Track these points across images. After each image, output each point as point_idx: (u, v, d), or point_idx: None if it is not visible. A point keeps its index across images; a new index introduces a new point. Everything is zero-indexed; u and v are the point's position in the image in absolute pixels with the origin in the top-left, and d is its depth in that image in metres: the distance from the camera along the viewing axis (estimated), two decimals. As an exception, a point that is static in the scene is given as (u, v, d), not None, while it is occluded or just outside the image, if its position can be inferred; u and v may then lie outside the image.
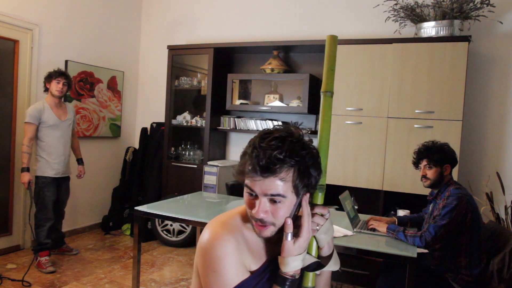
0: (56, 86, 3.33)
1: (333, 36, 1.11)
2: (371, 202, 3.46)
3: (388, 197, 3.34)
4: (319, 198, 1.03)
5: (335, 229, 2.32)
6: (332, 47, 1.10)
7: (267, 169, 0.90)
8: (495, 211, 3.06)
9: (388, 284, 2.28)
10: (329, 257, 1.01)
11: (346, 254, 2.13)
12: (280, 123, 3.89)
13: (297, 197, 0.95)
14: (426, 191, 2.61)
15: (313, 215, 0.98)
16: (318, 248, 1.01)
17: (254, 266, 1.01)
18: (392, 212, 3.21)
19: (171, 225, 4.11)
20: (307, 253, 0.99)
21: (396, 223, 2.53)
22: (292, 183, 0.93)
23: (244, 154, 0.97)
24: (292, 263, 0.94)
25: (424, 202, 2.67)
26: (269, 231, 0.96)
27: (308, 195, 0.97)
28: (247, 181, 0.95)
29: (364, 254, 2.10)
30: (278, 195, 0.92)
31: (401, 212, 2.95)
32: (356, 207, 2.79)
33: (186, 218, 2.49)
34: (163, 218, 2.79)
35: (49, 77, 3.36)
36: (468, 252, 2.20)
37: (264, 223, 0.94)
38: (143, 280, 3.23)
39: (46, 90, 3.40)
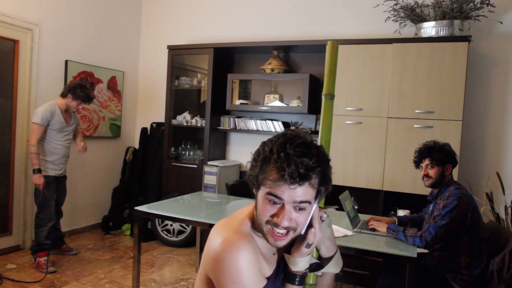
0: (77, 107, 3.39)
1: (334, 42, 1.15)
2: (371, 202, 3.46)
3: (388, 197, 3.34)
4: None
5: (335, 229, 2.32)
6: (333, 52, 1.15)
7: (305, 177, 0.89)
8: (495, 211, 3.06)
9: (388, 284, 2.28)
10: (330, 258, 1.02)
11: (346, 254, 2.13)
12: (280, 123, 3.89)
13: (315, 202, 0.96)
14: (426, 191, 2.61)
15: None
16: (317, 249, 1.03)
17: (268, 271, 1.01)
18: (392, 212, 3.21)
19: (171, 225, 4.11)
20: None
21: (396, 223, 2.53)
22: (317, 190, 0.94)
23: (264, 161, 0.93)
24: (301, 262, 0.97)
25: (424, 202, 2.67)
26: (287, 241, 0.95)
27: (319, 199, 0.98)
28: (272, 190, 0.92)
29: (364, 254, 2.10)
30: (307, 201, 0.92)
31: (401, 212, 2.95)
32: (356, 207, 2.79)
33: (186, 218, 2.49)
34: (163, 218, 2.79)
35: (77, 96, 3.33)
36: (468, 252, 2.20)
37: (287, 230, 0.93)
38: (143, 280, 3.23)
39: (63, 95, 3.38)
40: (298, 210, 0.92)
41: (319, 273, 1.03)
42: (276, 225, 0.92)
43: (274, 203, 0.92)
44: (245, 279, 0.91)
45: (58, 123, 3.34)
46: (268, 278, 0.99)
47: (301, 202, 0.91)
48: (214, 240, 0.96)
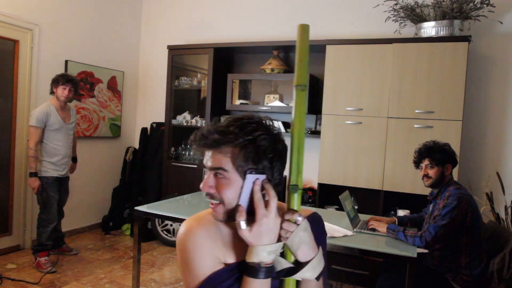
0: (62, 92, 3.33)
1: (305, 24, 1.06)
2: (371, 202, 3.46)
3: (388, 197, 3.34)
4: (293, 200, 0.95)
5: (335, 229, 2.32)
6: (304, 36, 1.05)
7: (205, 139, 0.93)
8: (495, 211, 3.06)
9: (388, 284, 2.28)
10: (306, 263, 0.94)
11: (346, 254, 2.13)
12: (280, 123, 3.89)
13: (243, 179, 0.93)
14: (426, 191, 2.61)
15: (284, 220, 0.93)
16: (293, 253, 0.95)
17: (231, 260, 0.99)
18: (392, 212, 3.21)
19: (171, 225, 4.10)
20: (282, 256, 0.95)
21: (396, 223, 2.53)
22: (233, 161, 0.92)
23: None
24: (257, 253, 0.91)
25: (424, 202, 2.67)
26: (220, 212, 0.95)
27: (259, 181, 0.93)
28: None
29: (364, 254, 2.10)
30: (219, 168, 0.93)
31: (401, 212, 2.95)
32: (356, 207, 2.79)
33: (186, 218, 2.49)
34: (163, 218, 2.80)
35: (56, 82, 3.34)
36: (468, 252, 2.20)
37: (212, 199, 0.95)
38: (143, 280, 3.23)
39: (52, 93, 3.38)
40: (217, 177, 0.94)
41: (296, 277, 0.96)
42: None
43: (206, 171, 0.98)
44: (194, 260, 0.95)
45: (56, 123, 3.34)
46: (227, 265, 0.98)
47: (213, 168, 0.94)
48: (179, 228, 1.03)
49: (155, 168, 4.40)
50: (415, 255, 2.00)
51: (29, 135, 3.29)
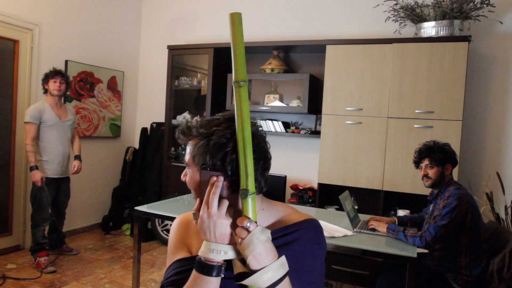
0: (54, 85, 3.33)
1: (235, 13, 0.98)
2: (371, 202, 3.46)
3: (388, 197, 3.34)
4: (246, 206, 0.90)
5: (335, 229, 2.32)
6: (237, 26, 0.98)
7: (181, 132, 1.00)
8: (495, 211, 3.06)
9: (388, 284, 2.28)
10: (256, 271, 0.89)
11: (346, 254, 2.13)
12: (280, 123, 3.89)
13: (199, 170, 0.95)
14: (426, 191, 2.61)
15: (237, 226, 0.90)
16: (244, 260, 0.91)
17: (196, 252, 0.98)
18: (392, 212, 3.21)
19: (171, 225, 4.10)
20: (243, 262, 0.91)
21: (396, 223, 2.53)
22: (192, 153, 0.97)
23: None
24: (203, 246, 0.91)
25: (424, 202, 2.67)
26: (196, 205, 0.97)
27: (214, 178, 0.91)
28: None
29: (364, 254, 2.10)
30: (185, 162, 1.00)
31: (401, 212, 2.95)
32: (356, 207, 2.79)
33: (186, 218, 2.49)
34: (163, 218, 2.79)
35: (46, 78, 3.36)
36: (468, 252, 2.20)
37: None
38: (143, 280, 3.23)
39: (46, 91, 3.40)
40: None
41: (247, 283, 0.91)
42: None
43: None
44: (170, 244, 1.09)
45: (51, 119, 3.33)
46: (192, 254, 1.03)
47: (184, 162, 1.01)
48: None
49: (155, 168, 4.40)
50: (415, 255, 2.00)
51: (25, 132, 3.30)
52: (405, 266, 2.00)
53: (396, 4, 3.38)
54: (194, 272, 0.92)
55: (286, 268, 0.90)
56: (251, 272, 0.89)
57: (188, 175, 1.01)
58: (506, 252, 2.16)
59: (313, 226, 1.01)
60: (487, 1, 3.10)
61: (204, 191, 0.93)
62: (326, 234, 2.20)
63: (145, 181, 4.49)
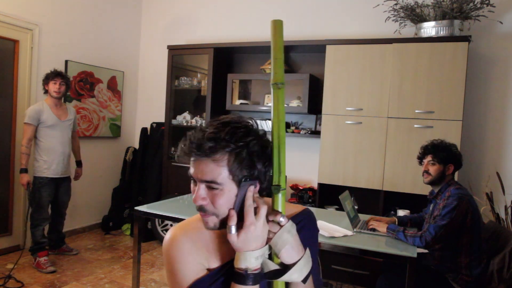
0: (53, 87, 3.34)
1: (278, 20, 1.05)
2: (371, 202, 3.46)
3: (388, 197, 3.34)
4: (277, 201, 0.94)
5: (335, 229, 2.32)
6: (278, 32, 1.05)
7: (199, 147, 0.88)
8: (495, 211, 3.06)
9: (388, 284, 2.28)
10: (292, 265, 0.93)
11: (346, 254, 2.13)
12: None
13: (238, 187, 0.90)
14: (426, 191, 2.61)
15: (268, 221, 0.92)
16: (277, 256, 0.94)
17: (215, 264, 0.98)
18: (392, 212, 3.21)
19: (171, 225, 4.10)
20: (270, 259, 0.94)
21: (396, 223, 2.53)
22: (228, 169, 0.89)
23: (184, 136, 0.95)
24: (244, 259, 0.89)
25: (424, 202, 2.67)
26: (212, 222, 0.92)
27: (252, 187, 0.92)
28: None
29: (364, 254, 2.10)
30: (213, 181, 0.89)
31: (401, 212, 2.95)
32: (356, 207, 2.79)
33: (186, 218, 2.49)
34: (163, 218, 2.79)
35: (46, 79, 3.37)
36: (468, 252, 2.20)
37: (205, 211, 0.92)
38: (143, 280, 3.23)
39: (46, 92, 3.40)
40: (211, 190, 0.91)
41: (283, 280, 0.94)
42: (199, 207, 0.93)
43: (194, 182, 0.94)
44: (176, 268, 0.96)
45: (50, 119, 3.33)
46: (210, 270, 0.98)
47: (207, 181, 0.89)
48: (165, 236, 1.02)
49: (155, 168, 4.40)
50: (415, 255, 2.00)
51: (23, 133, 3.30)
52: (405, 266, 2.00)
53: (396, 4, 3.38)
54: (237, 286, 0.90)
55: (310, 259, 0.96)
56: (284, 267, 0.93)
57: (222, 196, 0.90)
58: (506, 252, 2.16)
59: (311, 214, 1.11)
60: (487, 1, 3.10)
61: (239, 203, 0.92)
62: (326, 234, 2.20)
63: (145, 181, 4.49)
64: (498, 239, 2.35)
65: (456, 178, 2.92)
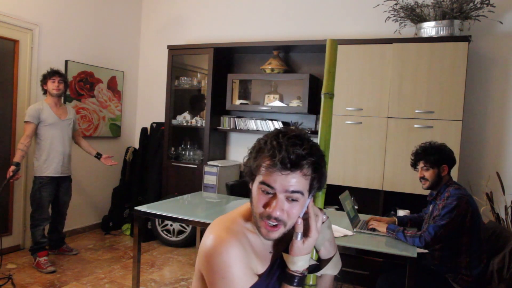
0: (52, 85, 3.35)
1: (334, 40, 1.15)
2: (371, 202, 3.46)
3: (388, 197, 3.34)
4: (319, 198, 1.03)
5: (335, 229, 2.32)
6: (333, 50, 1.14)
7: (295, 164, 0.91)
8: (495, 211, 3.06)
9: (388, 284, 2.28)
10: (328, 260, 1.01)
11: (346, 254, 2.13)
12: (280, 123, 3.89)
13: (308, 197, 0.96)
14: (426, 191, 2.60)
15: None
16: (316, 251, 1.02)
17: (261, 269, 1.00)
18: (392, 212, 3.21)
19: (171, 225, 4.10)
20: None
21: (396, 223, 2.53)
22: (309, 182, 0.94)
23: (258, 151, 0.96)
24: (300, 262, 0.95)
25: (424, 202, 2.67)
26: (278, 233, 0.95)
27: (312, 199, 0.99)
28: (264, 178, 0.93)
29: (364, 254, 2.10)
30: (299, 192, 0.92)
31: (401, 212, 2.95)
32: (356, 207, 2.79)
33: (186, 218, 2.49)
34: (163, 218, 2.79)
35: (44, 78, 3.38)
36: (468, 252, 2.20)
37: (279, 222, 0.93)
38: (143, 280, 3.23)
39: (45, 92, 3.41)
40: (291, 201, 0.93)
41: (318, 274, 1.02)
42: (269, 217, 0.93)
43: (267, 193, 0.93)
44: (232, 274, 0.93)
45: (50, 118, 3.34)
46: (260, 276, 0.99)
47: (294, 192, 0.91)
48: (207, 237, 0.98)
49: (155, 168, 4.40)
50: (415, 255, 2.00)
51: (23, 131, 3.32)
52: (405, 266, 2.00)
53: (396, 4, 3.38)
54: (288, 287, 0.97)
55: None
56: (321, 261, 1.02)
57: (299, 206, 0.95)
58: (506, 252, 2.15)
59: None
60: (487, 1, 3.10)
61: (303, 212, 0.98)
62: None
63: (145, 181, 4.49)
64: (498, 239, 2.35)
65: (456, 178, 2.93)
